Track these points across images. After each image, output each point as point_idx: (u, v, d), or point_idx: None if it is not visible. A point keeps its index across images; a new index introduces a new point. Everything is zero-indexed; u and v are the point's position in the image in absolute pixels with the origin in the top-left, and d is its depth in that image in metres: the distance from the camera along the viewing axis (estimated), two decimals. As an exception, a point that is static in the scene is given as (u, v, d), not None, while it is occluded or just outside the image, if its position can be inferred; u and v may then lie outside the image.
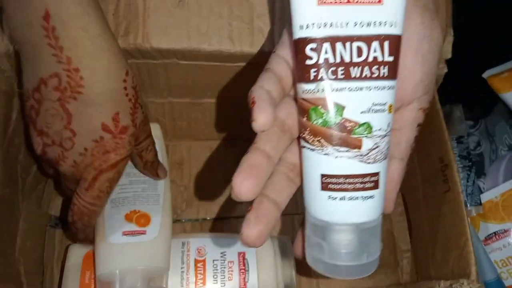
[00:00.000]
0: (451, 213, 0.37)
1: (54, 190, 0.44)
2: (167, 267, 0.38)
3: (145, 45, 0.34)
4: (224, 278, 0.39)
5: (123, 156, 0.32)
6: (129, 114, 0.32)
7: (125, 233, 0.37)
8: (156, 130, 0.43)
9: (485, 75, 0.52)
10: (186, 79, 0.40)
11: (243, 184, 0.24)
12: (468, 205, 0.49)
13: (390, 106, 0.25)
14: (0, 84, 0.35)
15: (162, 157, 0.41)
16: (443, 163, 0.38)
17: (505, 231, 0.48)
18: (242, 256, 0.40)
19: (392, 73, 0.25)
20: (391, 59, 0.25)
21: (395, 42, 0.25)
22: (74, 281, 0.38)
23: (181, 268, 0.39)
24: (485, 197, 0.49)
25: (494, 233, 0.48)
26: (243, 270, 0.39)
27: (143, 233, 0.37)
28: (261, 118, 0.23)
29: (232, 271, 0.39)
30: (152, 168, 0.38)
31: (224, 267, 0.39)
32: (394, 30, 0.24)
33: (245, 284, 0.38)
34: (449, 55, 0.38)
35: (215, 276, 0.39)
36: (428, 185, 0.41)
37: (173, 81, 0.40)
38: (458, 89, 0.48)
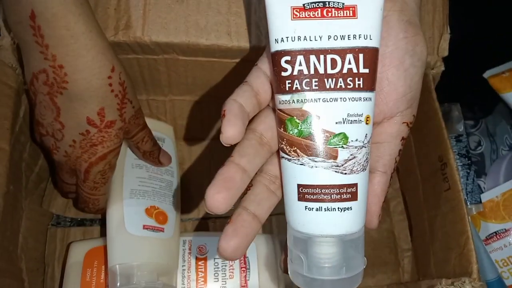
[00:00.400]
0: (452, 211, 0.36)
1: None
2: (177, 266, 0.39)
3: (144, 38, 0.35)
4: (225, 276, 0.39)
5: (111, 148, 0.33)
6: (116, 109, 0.33)
7: (146, 227, 0.37)
8: (169, 132, 0.43)
9: (485, 75, 0.52)
10: (186, 76, 0.40)
11: (216, 197, 0.24)
12: (468, 204, 0.49)
13: (367, 117, 0.25)
14: (11, 82, 0.36)
15: (173, 160, 0.41)
16: (442, 162, 0.38)
17: (506, 230, 0.48)
18: (243, 255, 0.40)
19: (368, 85, 0.25)
20: (366, 71, 0.25)
21: (370, 55, 0.25)
22: (75, 279, 0.38)
23: (182, 266, 0.39)
24: (485, 197, 0.49)
25: (495, 232, 0.48)
26: (244, 269, 0.39)
27: (162, 230, 0.38)
28: (228, 132, 0.24)
29: (233, 269, 0.39)
30: (152, 157, 0.39)
31: (225, 266, 0.39)
32: (370, 43, 0.25)
33: (246, 283, 0.38)
34: (446, 53, 0.38)
35: (216, 275, 0.39)
36: (428, 184, 0.41)
37: (174, 78, 0.41)
38: (457, 87, 0.48)
